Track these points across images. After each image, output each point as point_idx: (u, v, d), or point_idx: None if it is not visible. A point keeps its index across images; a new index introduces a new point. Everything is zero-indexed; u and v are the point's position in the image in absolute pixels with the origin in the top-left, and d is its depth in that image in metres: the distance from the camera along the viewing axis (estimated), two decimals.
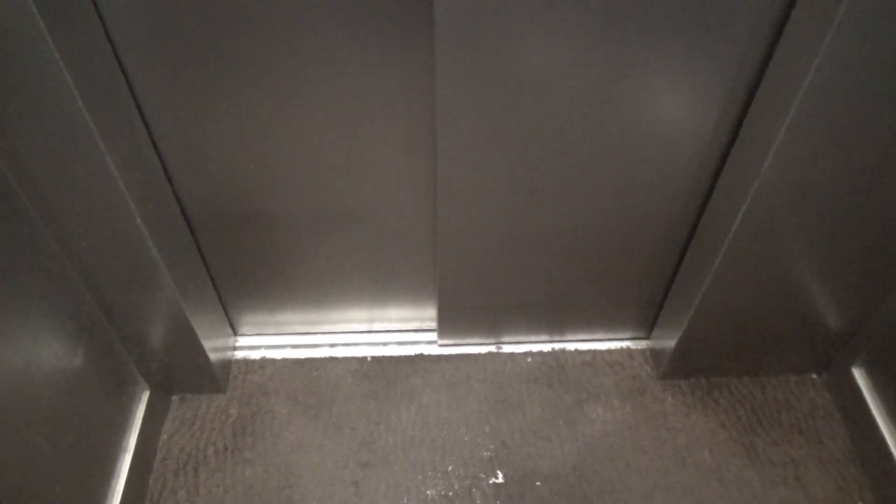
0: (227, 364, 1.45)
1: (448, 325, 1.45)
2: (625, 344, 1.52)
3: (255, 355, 1.48)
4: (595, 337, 1.52)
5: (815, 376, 1.46)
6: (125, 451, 1.21)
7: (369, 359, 1.48)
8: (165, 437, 1.34)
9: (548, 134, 1.04)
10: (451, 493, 1.27)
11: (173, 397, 1.40)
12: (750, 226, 1.07)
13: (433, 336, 1.52)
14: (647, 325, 1.49)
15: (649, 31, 0.90)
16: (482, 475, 1.29)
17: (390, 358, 1.48)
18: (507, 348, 1.50)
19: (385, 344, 1.51)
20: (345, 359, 1.48)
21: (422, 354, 1.49)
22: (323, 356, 1.48)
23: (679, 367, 1.42)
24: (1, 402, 0.87)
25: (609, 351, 1.50)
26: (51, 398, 0.98)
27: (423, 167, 1.14)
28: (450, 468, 1.30)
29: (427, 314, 1.49)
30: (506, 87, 0.97)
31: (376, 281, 1.39)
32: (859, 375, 1.34)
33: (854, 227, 1.08)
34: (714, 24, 0.90)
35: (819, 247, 1.12)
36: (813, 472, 1.30)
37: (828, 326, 1.31)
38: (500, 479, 1.29)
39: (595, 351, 1.50)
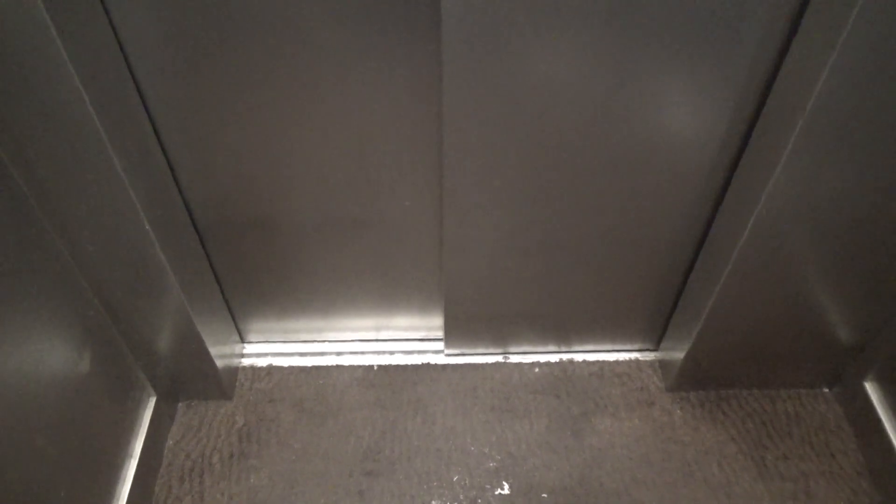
0: (234, 371, 1.45)
1: (455, 334, 1.44)
2: (633, 355, 1.50)
3: (261, 362, 1.48)
4: (603, 348, 1.50)
5: (826, 390, 1.44)
6: (131, 456, 1.21)
7: (376, 367, 1.48)
8: (171, 443, 1.34)
9: (555, 143, 1.04)
10: None
11: (179, 404, 1.40)
12: (759, 237, 1.06)
13: (440, 345, 1.51)
14: (656, 336, 1.48)
15: (657, 39, 0.90)
16: (488, 486, 1.28)
17: (397, 367, 1.48)
18: (514, 358, 1.50)
19: (391, 353, 1.50)
20: (351, 367, 1.48)
21: (428, 363, 1.49)
22: (329, 364, 1.48)
23: (688, 379, 1.40)
24: (7, 406, 0.87)
25: (617, 362, 1.49)
26: (57, 403, 0.99)
27: (430, 175, 1.14)
28: (455, 478, 1.29)
29: (434, 323, 1.49)
30: (513, 96, 0.97)
31: (383, 289, 1.39)
32: (871, 389, 1.32)
33: (865, 238, 1.07)
34: (723, 32, 0.89)
35: (830, 259, 1.11)
36: (824, 487, 1.28)
37: (839, 339, 1.29)
38: (506, 491, 1.28)
39: (603, 362, 1.49)
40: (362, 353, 1.50)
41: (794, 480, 1.29)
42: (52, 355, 0.98)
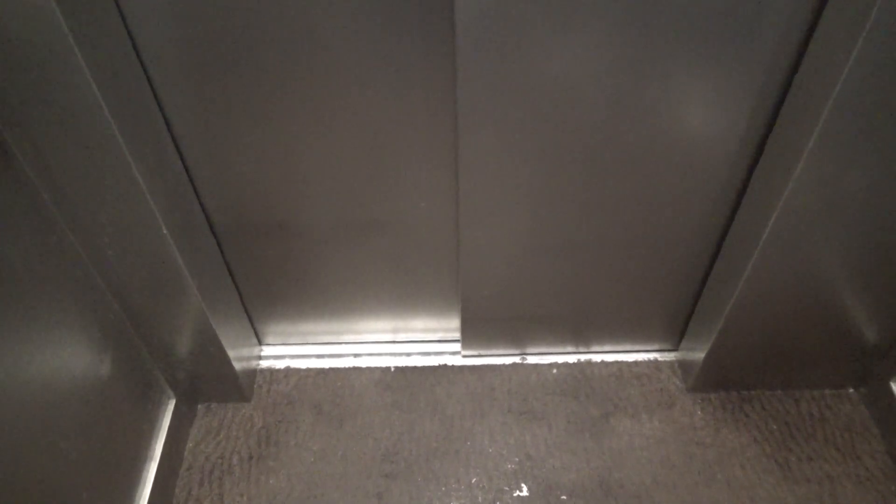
0: (252, 373, 1.45)
1: (472, 335, 1.44)
2: (652, 356, 1.49)
3: (279, 365, 1.49)
4: (622, 348, 1.49)
5: (851, 390, 1.41)
6: (151, 459, 1.22)
7: (393, 369, 1.48)
8: (191, 445, 1.35)
9: (571, 142, 1.03)
10: None
11: (199, 406, 1.41)
12: (781, 235, 1.04)
13: (457, 347, 1.51)
14: (676, 336, 1.46)
15: (674, 36, 0.89)
16: (506, 488, 1.28)
17: (414, 368, 1.48)
18: (531, 359, 1.49)
19: (409, 354, 1.50)
20: (368, 369, 1.48)
21: (445, 365, 1.48)
22: (347, 366, 1.49)
23: (709, 380, 1.38)
24: (28, 409, 0.88)
25: (636, 363, 1.48)
26: (78, 406, 1.00)
27: (446, 177, 1.13)
28: (473, 480, 1.29)
29: (451, 325, 1.48)
30: (528, 96, 0.96)
31: (400, 291, 1.38)
32: None
33: (891, 235, 1.05)
34: (742, 26, 0.88)
35: (854, 256, 1.09)
36: (850, 490, 1.25)
37: (865, 338, 1.27)
38: (525, 493, 1.27)
39: (622, 363, 1.48)
40: (379, 354, 1.50)
41: (819, 483, 1.26)
42: (73, 359, 0.99)
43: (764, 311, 1.20)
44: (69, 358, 0.98)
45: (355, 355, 1.50)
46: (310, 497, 1.27)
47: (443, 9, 0.89)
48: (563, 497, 1.26)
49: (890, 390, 1.30)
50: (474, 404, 1.41)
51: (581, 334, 1.45)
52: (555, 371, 1.46)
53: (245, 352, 1.40)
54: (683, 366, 1.44)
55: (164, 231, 1.00)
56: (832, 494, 1.25)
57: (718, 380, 1.38)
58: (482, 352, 1.49)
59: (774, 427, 1.35)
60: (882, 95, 0.85)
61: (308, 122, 1.04)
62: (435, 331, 1.50)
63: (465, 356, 1.49)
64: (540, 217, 1.16)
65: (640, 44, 0.90)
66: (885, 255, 1.08)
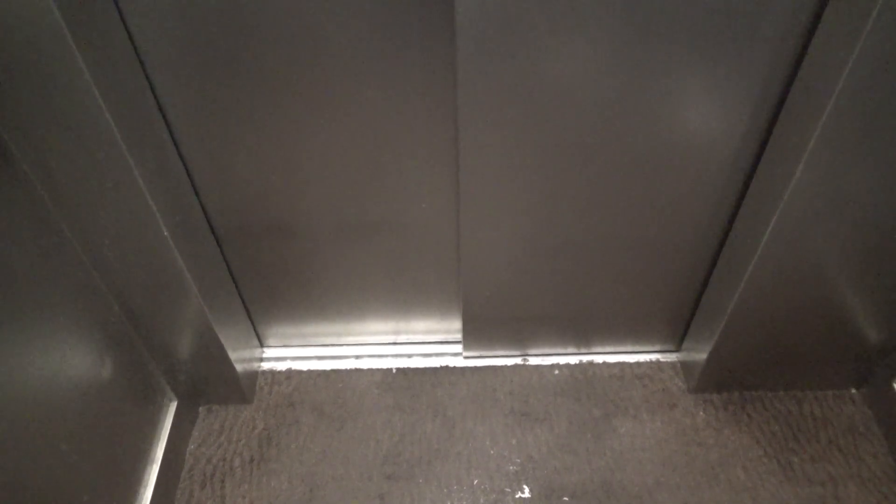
0: (254, 375, 1.45)
1: (473, 336, 1.44)
2: (654, 356, 1.48)
3: (281, 366, 1.49)
4: (623, 349, 1.49)
5: (854, 391, 1.41)
6: (152, 461, 1.22)
7: (394, 370, 1.48)
8: (192, 447, 1.35)
9: (572, 143, 1.03)
10: None
11: (200, 408, 1.41)
12: (782, 235, 1.04)
13: (458, 348, 1.51)
14: (678, 336, 1.46)
15: (674, 37, 0.89)
16: (508, 489, 1.27)
17: (415, 370, 1.48)
18: (533, 360, 1.48)
19: (410, 356, 1.50)
20: (370, 370, 1.48)
21: (447, 366, 1.48)
22: (348, 368, 1.48)
23: (711, 381, 1.38)
24: (29, 411, 0.88)
25: (638, 363, 1.47)
26: (79, 408, 1.00)
27: (447, 178, 1.13)
28: (475, 482, 1.29)
29: (452, 326, 1.48)
30: (528, 97, 0.96)
31: (401, 292, 1.38)
32: None
33: (892, 234, 1.04)
34: (742, 26, 0.88)
35: (856, 256, 1.08)
36: (853, 491, 1.25)
37: (867, 339, 1.27)
38: (527, 494, 1.27)
39: (624, 363, 1.47)
40: (381, 356, 1.50)
41: (822, 484, 1.26)
42: (75, 361, 0.99)
43: (766, 312, 1.20)
44: (70, 360, 0.97)
45: (356, 357, 1.50)
46: (311, 499, 1.27)
47: (443, 9, 0.89)
48: (565, 498, 1.26)
49: (892, 391, 1.30)
50: (476, 405, 1.40)
51: (583, 335, 1.44)
52: (556, 372, 1.46)
53: (246, 353, 1.40)
54: (685, 366, 1.44)
55: (165, 233, 1.00)
56: (835, 495, 1.24)
57: (720, 380, 1.38)
58: (483, 353, 1.48)
59: (777, 428, 1.35)
60: (883, 95, 0.85)
61: (308, 122, 1.03)
62: (436, 332, 1.50)
63: (466, 357, 1.49)
64: (541, 217, 1.16)
65: (640, 44, 0.90)
66: (887, 254, 1.08)
